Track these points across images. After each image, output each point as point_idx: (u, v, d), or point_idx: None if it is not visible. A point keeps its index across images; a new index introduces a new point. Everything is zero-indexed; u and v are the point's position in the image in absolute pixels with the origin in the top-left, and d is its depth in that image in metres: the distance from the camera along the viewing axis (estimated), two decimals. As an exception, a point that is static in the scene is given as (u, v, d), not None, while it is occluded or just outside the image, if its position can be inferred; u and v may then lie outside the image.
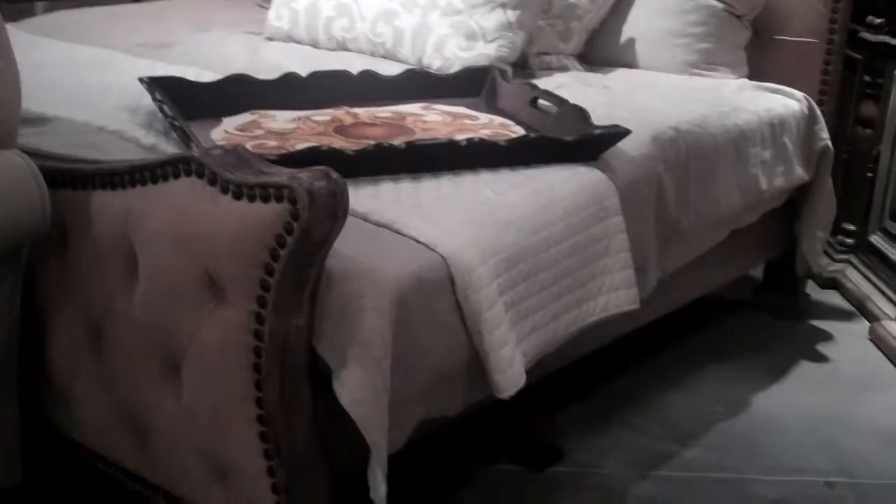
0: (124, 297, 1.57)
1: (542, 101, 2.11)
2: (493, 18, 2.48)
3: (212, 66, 2.39)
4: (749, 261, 2.64)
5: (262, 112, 2.05)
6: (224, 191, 1.44)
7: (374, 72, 2.22)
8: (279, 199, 1.39)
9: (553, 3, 2.59)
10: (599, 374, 2.29)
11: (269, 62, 2.51)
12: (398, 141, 1.84)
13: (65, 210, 1.60)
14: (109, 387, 1.62)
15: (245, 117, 2.02)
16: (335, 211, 1.40)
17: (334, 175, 1.41)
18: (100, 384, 1.63)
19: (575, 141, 1.85)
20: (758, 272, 2.79)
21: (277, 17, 2.71)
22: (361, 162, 1.72)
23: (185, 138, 1.76)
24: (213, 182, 1.46)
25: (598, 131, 1.90)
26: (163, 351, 1.53)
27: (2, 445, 1.60)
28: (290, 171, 1.41)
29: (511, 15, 2.49)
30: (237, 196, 1.43)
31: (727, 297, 2.70)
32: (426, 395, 1.53)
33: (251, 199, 1.41)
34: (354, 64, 2.49)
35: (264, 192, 1.40)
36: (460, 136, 1.95)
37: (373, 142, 1.87)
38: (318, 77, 2.16)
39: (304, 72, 2.39)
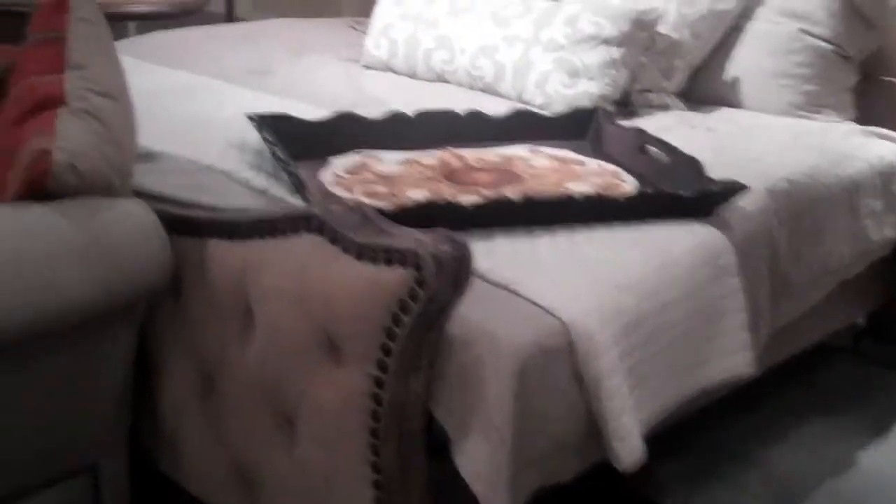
0: (238, 348, 1.55)
1: (651, 148, 2.07)
2: (597, 56, 2.44)
3: (313, 97, 2.38)
4: (854, 310, 2.57)
5: (369, 152, 2.03)
6: (346, 250, 1.42)
7: (480, 112, 2.19)
8: (403, 264, 1.36)
9: (656, 40, 2.54)
10: (699, 427, 2.24)
11: (370, 93, 2.49)
12: (513, 192, 1.81)
13: (179, 257, 1.59)
14: (220, 437, 1.61)
15: (352, 158, 2.00)
16: (460, 277, 1.38)
17: (458, 239, 1.38)
18: (210, 434, 1.62)
19: (693, 197, 1.81)
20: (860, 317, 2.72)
21: (376, 46, 2.69)
22: (477, 216, 1.69)
23: (299, 185, 1.74)
24: (334, 241, 1.44)
25: (715, 188, 1.85)
26: (277, 406, 1.52)
27: (111, 490, 1.59)
28: (414, 235, 1.39)
29: (615, 52, 2.45)
30: (360, 257, 1.40)
31: (829, 344, 2.63)
32: (543, 463, 1.50)
33: (374, 261, 1.39)
34: (454, 97, 2.48)
35: (388, 256, 1.38)
36: (572, 184, 1.92)
37: (485, 190, 1.85)
38: (425, 117, 2.13)
39: (403, 103, 2.37)
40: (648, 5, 2.52)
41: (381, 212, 1.53)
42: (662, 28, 2.53)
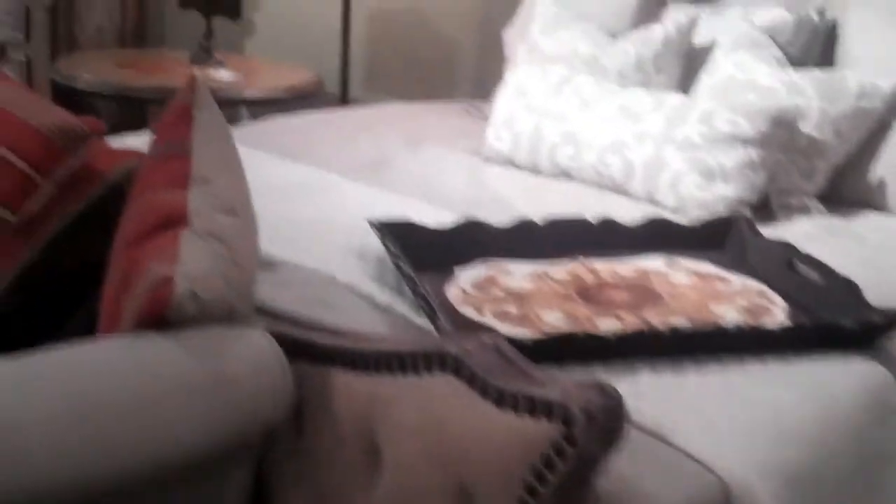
0: (363, 488, 1.43)
1: (800, 265, 1.92)
2: (734, 156, 2.30)
3: (433, 194, 2.29)
4: None
5: (496, 263, 1.91)
6: (485, 395, 1.29)
7: (613, 220, 2.06)
8: (549, 417, 1.23)
9: (796, 139, 2.39)
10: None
11: (492, 192, 2.39)
12: (655, 317, 1.68)
13: (300, 385, 1.48)
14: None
15: (479, 270, 1.89)
16: (613, 433, 1.24)
17: (611, 390, 1.25)
18: (327, 578, 1.50)
19: (855, 329, 1.65)
20: None
21: (497, 139, 2.59)
22: (620, 347, 1.56)
23: (429, 310, 1.63)
24: (472, 383, 1.31)
25: (879, 318, 1.69)
26: (402, 555, 1.39)
27: None
28: (562, 382, 1.26)
29: (753, 152, 2.31)
30: (500, 404, 1.28)
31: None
32: None
33: (516, 409, 1.26)
34: (580, 196, 2.37)
35: (532, 406, 1.25)
36: (717, 306, 1.78)
37: (624, 313, 1.72)
38: (554, 224, 2.01)
39: (527, 204, 2.27)
40: (788, 102, 2.38)
41: (519, 343, 1.42)
42: (803, 126, 2.39)
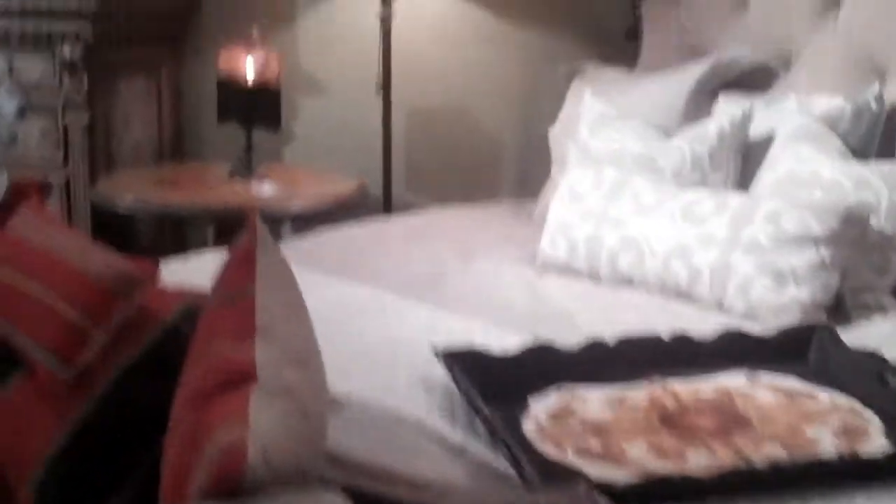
0: None
1: (892, 378, 1.81)
2: (805, 257, 2.21)
3: (493, 311, 2.21)
4: None
5: (571, 389, 1.81)
6: (586, 559, 1.20)
7: (686, 335, 1.96)
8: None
9: (867, 235, 2.30)
10: None
11: (552, 305, 2.30)
12: (747, 445, 1.57)
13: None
14: None
15: (553, 398, 1.78)
16: None
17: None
18: None
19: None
20: None
21: (553, 246, 2.51)
22: (717, 487, 1.45)
23: (510, 457, 1.53)
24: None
25: None
26: None
27: None
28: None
29: (824, 252, 2.21)
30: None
31: None
32: None
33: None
34: (645, 304, 2.28)
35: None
36: (810, 429, 1.67)
37: (713, 442, 1.61)
38: (626, 344, 1.92)
39: (589, 315, 2.18)
40: (857, 197, 2.29)
41: (610, 489, 1.32)
42: (873, 220, 2.29)
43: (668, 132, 2.73)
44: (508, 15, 3.47)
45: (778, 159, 2.47)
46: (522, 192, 3.45)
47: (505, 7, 3.44)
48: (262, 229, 1.43)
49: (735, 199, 2.33)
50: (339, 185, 3.20)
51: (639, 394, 1.80)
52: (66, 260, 1.57)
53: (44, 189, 1.91)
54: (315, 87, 3.61)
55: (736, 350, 1.96)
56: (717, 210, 2.31)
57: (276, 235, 3.56)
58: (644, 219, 2.38)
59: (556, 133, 3.13)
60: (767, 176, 2.46)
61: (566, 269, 2.49)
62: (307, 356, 1.39)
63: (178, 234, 3.61)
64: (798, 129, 2.49)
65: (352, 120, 3.58)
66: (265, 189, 3.10)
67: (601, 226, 2.43)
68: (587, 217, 2.46)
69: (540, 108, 3.49)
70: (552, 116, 3.22)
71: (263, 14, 3.52)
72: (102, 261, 1.56)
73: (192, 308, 1.65)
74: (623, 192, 2.44)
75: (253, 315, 1.36)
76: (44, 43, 3.30)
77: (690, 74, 2.89)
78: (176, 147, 3.72)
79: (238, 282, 1.40)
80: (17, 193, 1.81)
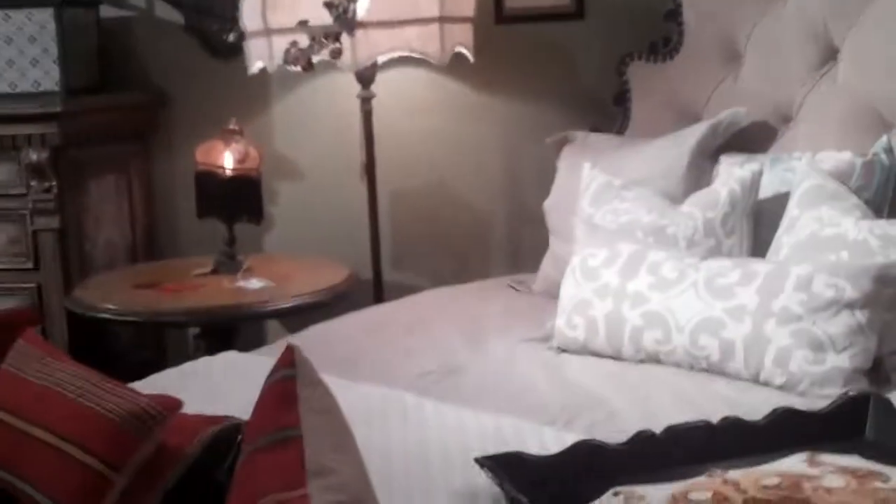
0: None
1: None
2: (841, 323, 2.10)
3: (520, 403, 2.09)
4: None
5: (628, 491, 1.67)
6: None
7: (737, 419, 1.83)
8: None
9: (900, 293, 2.20)
10: None
11: (580, 389, 2.18)
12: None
13: None
14: None
15: (609, 501, 1.64)
16: None
17: None
18: None
19: None
20: None
21: (570, 326, 2.38)
22: None
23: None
24: None
25: None
26: None
27: None
28: None
29: (860, 316, 2.11)
30: None
31: None
32: None
33: None
34: (676, 382, 2.18)
35: None
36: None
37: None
38: (674, 433, 1.78)
39: (621, 397, 2.06)
40: (886, 256, 2.20)
41: None
42: (904, 278, 2.20)
43: (673, 199, 2.64)
44: (488, 87, 3.38)
45: (796, 221, 2.37)
46: (515, 267, 3.34)
47: (484, 80, 3.35)
48: (300, 359, 1.29)
49: (761, 267, 2.23)
50: (330, 275, 3.06)
51: (700, 489, 1.66)
52: (76, 400, 1.42)
53: (32, 318, 1.76)
54: (294, 173, 3.49)
55: (791, 430, 1.83)
56: (743, 280, 2.20)
57: (266, 334, 3.44)
58: (666, 293, 2.26)
59: (551, 205, 3.03)
60: (787, 239, 2.37)
61: (585, 349, 2.37)
62: (362, 494, 1.25)
63: (157, 335, 3.45)
64: (813, 189, 2.40)
65: (333, 203, 3.46)
66: (252, 284, 2.95)
67: (621, 302, 2.31)
68: (604, 294, 2.34)
69: (528, 180, 3.40)
70: (541, 188, 3.14)
71: (236, 103, 3.41)
72: (118, 398, 1.42)
73: (215, 438, 1.50)
74: (640, 266, 2.33)
75: (301, 457, 1.22)
76: (8, 147, 3.16)
77: (689, 137, 2.80)
78: (150, 244, 3.56)
79: (280, 421, 1.25)
80: (4, 328, 1.66)
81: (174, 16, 3.49)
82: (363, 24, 2.81)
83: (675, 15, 3.06)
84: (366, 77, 3.09)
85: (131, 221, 3.48)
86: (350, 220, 3.40)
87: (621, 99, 3.19)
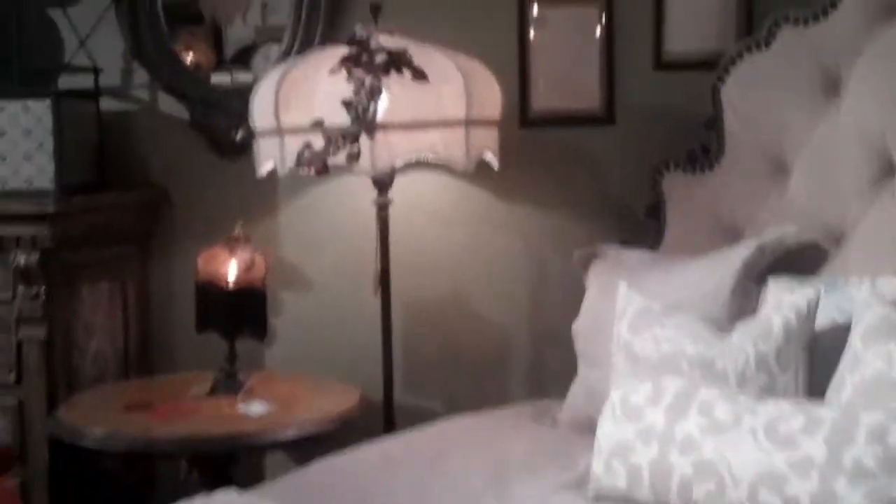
0: None
1: None
2: (922, 481, 1.84)
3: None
4: None
5: None
6: None
7: None
8: None
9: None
10: None
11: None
12: None
13: None
14: None
15: None
16: None
17: None
18: None
19: None
20: None
21: (609, 473, 2.12)
22: None
23: None
24: None
25: None
26: None
27: None
28: None
29: (941, 469, 1.85)
30: None
31: None
32: None
33: None
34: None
35: None
36: None
37: None
38: None
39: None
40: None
41: None
42: None
43: (717, 324, 2.40)
44: (511, 195, 3.16)
45: (860, 358, 2.12)
46: (536, 392, 3.10)
47: (507, 187, 3.13)
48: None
49: (826, 413, 1.97)
50: (338, 399, 2.80)
51: None
52: None
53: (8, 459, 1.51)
54: (300, 282, 3.26)
55: None
56: (808, 427, 1.94)
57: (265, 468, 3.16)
58: (719, 439, 2.01)
59: (581, 327, 2.79)
60: (851, 378, 2.12)
61: (627, 500, 2.10)
62: None
63: (148, 459, 3.17)
64: (877, 322, 2.16)
65: (342, 317, 3.23)
66: (253, 409, 2.69)
67: (668, 449, 2.05)
68: (649, 438, 2.08)
69: (552, 296, 3.17)
70: (567, 305, 2.91)
71: (241, 206, 3.19)
72: None
73: None
74: (689, 407, 2.08)
75: None
76: (-5, 249, 2.93)
77: (734, 258, 2.57)
78: (144, 357, 3.31)
79: None
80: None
81: (179, 111, 3.28)
82: (383, 126, 2.60)
83: (715, 122, 2.85)
84: (383, 181, 2.87)
85: (124, 331, 3.23)
86: (359, 334, 3.16)
87: (654, 211, 2.97)
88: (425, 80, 2.65)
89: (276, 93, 2.69)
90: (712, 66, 2.98)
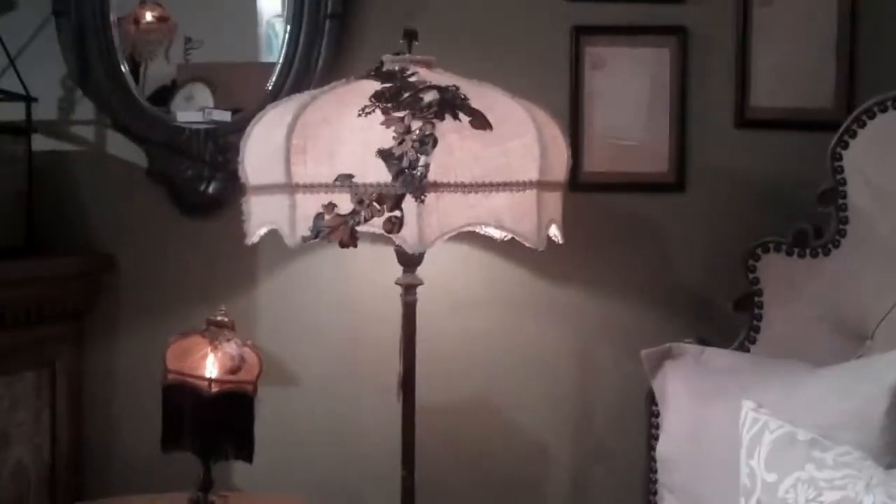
0: None
1: None
2: None
3: None
4: None
5: None
6: None
7: None
8: None
9: None
10: None
11: None
12: None
13: None
14: None
15: None
16: None
17: None
18: None
19: None
20: None
21: None
22: None
23: None
24: None
25: None
26: None
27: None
28: None
29: None
30: None
31: None
32: None
33: None
34: None
35: None
36: None
37: None
38: None
39: None
40: None
41: None
42: None
43: (873, 456, 1.82)
44: (553, 275, 2.54)
45: None
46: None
47: (549, 265, 2.50)
48: None
49: None
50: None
51: None
52: None
53: None
54: (286, 380, 2.55)
55: None
56: None
57: None
58: None
59: (667, 452, 2.17)
60: None
61: None
62: None
63: None
64: None
65: (340, 426, 2.55)
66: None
67: None
68: None
69: (603, 403, 2.55)
70: (621, 416, 2.39)
71: (207, 281, 2.51)
72: None
73: None
74: None
75: None
76: None
77: (884, 370, 1.98)
78: (76, 472, 2.55)
79: None
80: None
81: (134, 155, 2.56)
82: (436, 186, 1.95)
83: (834, 195, 2.28)
84: (412, 257, 2.21)
85: (52, 438, 2.47)
86: (363, 447, 2.49)
87: (745, 303, 2.37)
88: (488, 128, 2.01)
89: (288, 138, 2.01)
90: (807, 126, 2.48)
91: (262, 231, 2.19)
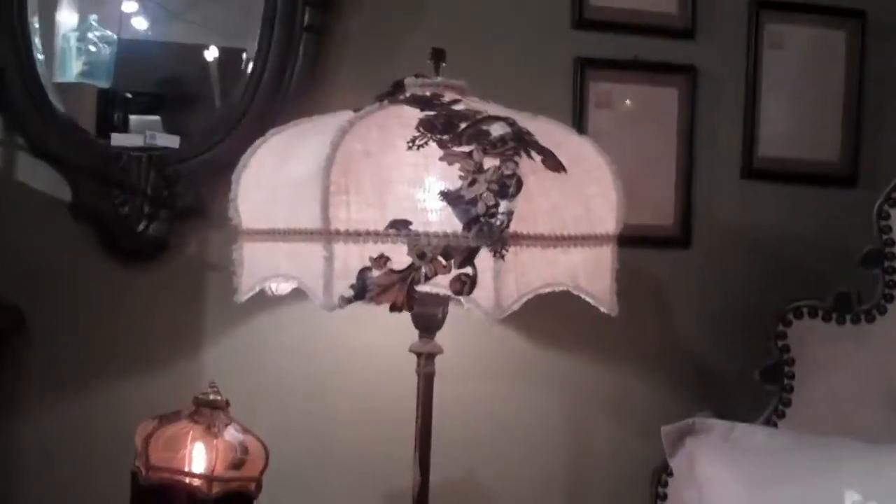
0: None
1: None
2: None
3: None
4: None
5: None
6: None
7: None
8: None
9: None
10: None
11: None
12: None
13: None
14: None
15: None
16: None
17: None
18: None
19: None
20: None
21: None
22: None
23: None
24: None
25: None
26: None
27: None
28: None
29: None
30: None
31: None
32: None
33: None
34: None
35: None
36: None
37: None
38: None
39: None
40: None
41: None
42: None
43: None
44: (547, 338, 2.24)
45: None
46: None
47: (541, 328, 2.21)
48: None
49: None
50: None
51: None
52: None
53: None
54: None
55: None
56: None
57: None
58: None
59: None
60: None
61: None
62: None
63: None
64: None
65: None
66: None
67: None
68: None
69: (602, 484, 2.27)
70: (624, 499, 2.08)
71: (148, 343, 2.05)
72: None
73: None
74: None
75: None
76: None
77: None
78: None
79: None
80: None
81: (55, 186, 2.05)
82: (517, 238, 1.61)
83: (880, 257, 2.11)
84: (433, 320, 1.85)
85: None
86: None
87: (775, 372, 2.16)
88: (562, 170, 1.70)
89: (327, 173, 1.60)
90: (814, 179, 2.30)
91: (263, 287, 1.77)
